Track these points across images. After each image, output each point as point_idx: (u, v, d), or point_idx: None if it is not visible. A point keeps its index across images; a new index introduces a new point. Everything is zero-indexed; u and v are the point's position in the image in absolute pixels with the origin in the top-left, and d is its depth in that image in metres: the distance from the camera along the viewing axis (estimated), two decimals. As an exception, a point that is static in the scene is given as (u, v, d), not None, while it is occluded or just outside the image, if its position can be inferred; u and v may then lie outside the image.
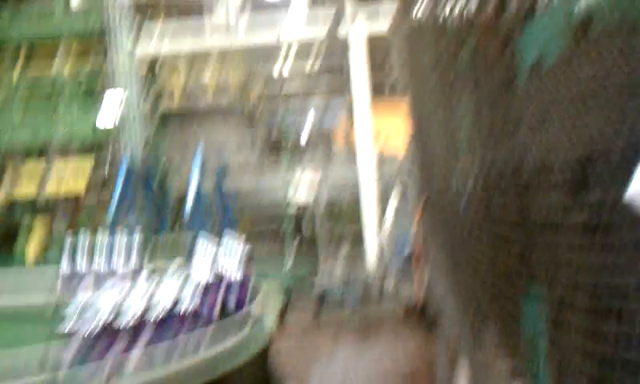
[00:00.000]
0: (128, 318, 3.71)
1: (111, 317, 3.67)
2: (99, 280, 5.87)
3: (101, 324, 3.61)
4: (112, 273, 5.80)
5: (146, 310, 3.81)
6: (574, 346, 1.73)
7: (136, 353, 3.64)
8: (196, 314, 3.92)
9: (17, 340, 5.33)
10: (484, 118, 2.43)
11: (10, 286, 6.59)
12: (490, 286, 2.77)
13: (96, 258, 6.06)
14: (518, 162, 2.24)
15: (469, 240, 3.10)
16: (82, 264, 6.06)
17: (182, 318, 3.87)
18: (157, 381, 3.41)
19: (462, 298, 3.48)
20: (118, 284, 5.63)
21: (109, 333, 3.55)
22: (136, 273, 5.80)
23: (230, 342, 4.01)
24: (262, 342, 4.38)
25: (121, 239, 11.46)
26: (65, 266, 5.95)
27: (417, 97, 4.92)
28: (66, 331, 3.54)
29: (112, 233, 11.39)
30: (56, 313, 5.33)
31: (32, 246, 13.95)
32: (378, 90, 15.12)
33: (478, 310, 3.06)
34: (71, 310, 3.59)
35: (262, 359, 4.45)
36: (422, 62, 4.29)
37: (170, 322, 3.81)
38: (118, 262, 5.92)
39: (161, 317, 3.88)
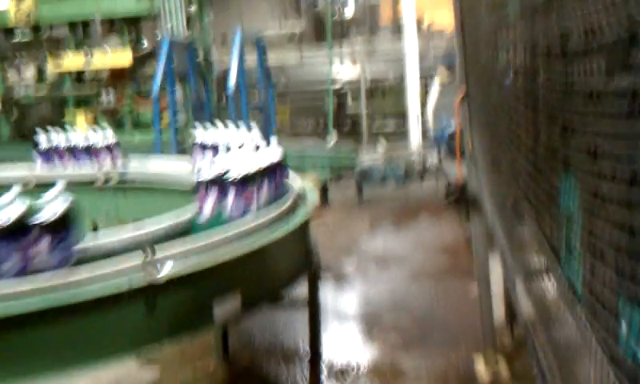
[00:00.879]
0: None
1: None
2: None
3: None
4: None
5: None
6: (607, 230, 1.67)
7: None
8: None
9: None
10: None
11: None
12: (530, 164, 2.70)
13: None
14: (562, 37, 2.12)
15: (512, 117, 3.00)
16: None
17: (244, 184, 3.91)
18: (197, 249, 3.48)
19: (502, 177, 3.42)
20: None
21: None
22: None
23: (268, 215, 4.04)
24: (303, 217, 4.40)
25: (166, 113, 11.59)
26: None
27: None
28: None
29: (156, 105, 11.52)
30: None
31: (81, 119, 14.18)
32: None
33: (516, 188, 3.00)
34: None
35: (302, 234, 4.50)
36: None
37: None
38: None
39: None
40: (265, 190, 4.22)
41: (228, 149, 4.67)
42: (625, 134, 1.39)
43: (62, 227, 3.06)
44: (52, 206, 3.07)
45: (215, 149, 5.09)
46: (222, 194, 3.97)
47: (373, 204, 10.31)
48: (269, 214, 4.08)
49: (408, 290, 6.94)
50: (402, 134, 14.17)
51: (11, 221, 2.87)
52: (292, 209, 4.38)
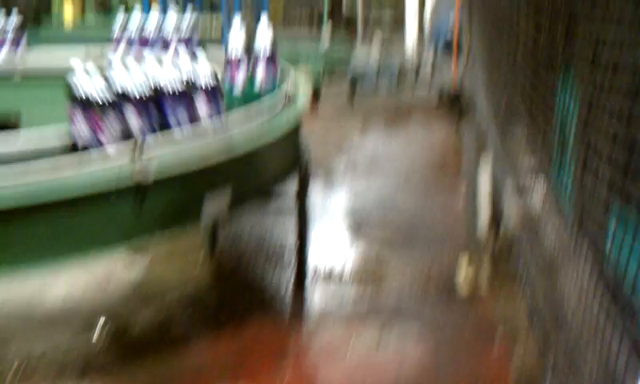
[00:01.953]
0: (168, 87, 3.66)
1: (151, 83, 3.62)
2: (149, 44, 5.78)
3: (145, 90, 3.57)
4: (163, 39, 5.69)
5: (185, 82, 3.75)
6: (606, 129, 1.65)
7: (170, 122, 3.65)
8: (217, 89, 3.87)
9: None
10: None
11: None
12: (527, 69, 2.66)
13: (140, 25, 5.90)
14: None
15: (510, 20, 2.93)
16: (132, 28, 5.91)
17: (206, 92, 3.82)
18: (186, 153, 3.45)
19: (497, 84, 3.37)
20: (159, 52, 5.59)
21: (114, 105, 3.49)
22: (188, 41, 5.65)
23: (259, 119, 3.99)
24: (294, 121, 4.36)
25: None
26: (117, 30, 5.83)
27: None
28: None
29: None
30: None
31: (69, 10, 13.81)
32: None
33: (512, 95, 2.97)
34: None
35: (294, 137, 4.46)
36: None
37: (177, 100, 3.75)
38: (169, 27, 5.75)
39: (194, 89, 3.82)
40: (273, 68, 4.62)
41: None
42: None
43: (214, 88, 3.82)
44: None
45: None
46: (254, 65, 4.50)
47: (365, 108, 10.24)
48: (262, 111, 4.04)
49: (396, 194, 6.99)
50: (398, 36, 13.91)
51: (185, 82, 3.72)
52: (285, 105, 4.35)
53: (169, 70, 3.74)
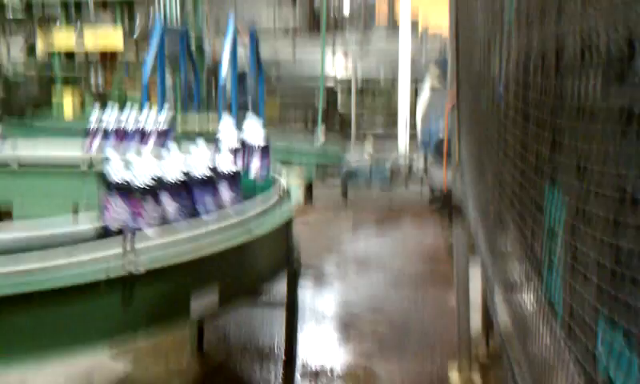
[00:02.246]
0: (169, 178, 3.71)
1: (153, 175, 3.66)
2: (128, 137, 5.88)
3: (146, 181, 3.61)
4: (142, 131, 5.79)
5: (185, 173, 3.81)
6: (593, 238, 1.65)
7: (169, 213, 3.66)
8: (217, 179, 3.91)
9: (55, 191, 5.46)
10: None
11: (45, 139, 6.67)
12: (517, 172, 2.69)
13: (126, 116, 6.03)
14: (557, 45, 2.10)
15: (501, 124, 2.99)
16: (110, 120, 6.03)
17: (206, 182, 3.87)
18: (180, 242, 3.43)
19: (485, 191, 3.41)
20: (148, 143, 5.66)
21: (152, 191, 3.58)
22: (166, 134, 5.77)
23: (252, 211, 4.00)
24: (286, 215, 4.37)
25: (154, 98, 11.50)
26: (94, 122, 5.94)
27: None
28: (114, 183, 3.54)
29: (145, 91, 11.42)
30: (90, 166, 5.39)
31: (69, 101, 14.05)
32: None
33: (501, 196, 2.99)
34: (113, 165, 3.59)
35: (286, 231, 4.46)
36: None
37: (204, 186, 3.85)
38: (148, 121, 5.88)
39: (198, 180, 3.87)
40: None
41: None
42: (616, 151, 1.37)
43: (235, 176, 4.10)
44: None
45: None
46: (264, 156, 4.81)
47: (357, 205, 10.29)
48: (253, 209, 4.05)
49: (387, 294, 6.93)
50: (390, 135, 14.17)
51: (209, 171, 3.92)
52: (276, 204, 4.36)
53: (195, 159, 3.94)
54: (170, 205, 3.64)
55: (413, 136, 11.89)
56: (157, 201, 3.61)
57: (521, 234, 2.43)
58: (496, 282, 3.08)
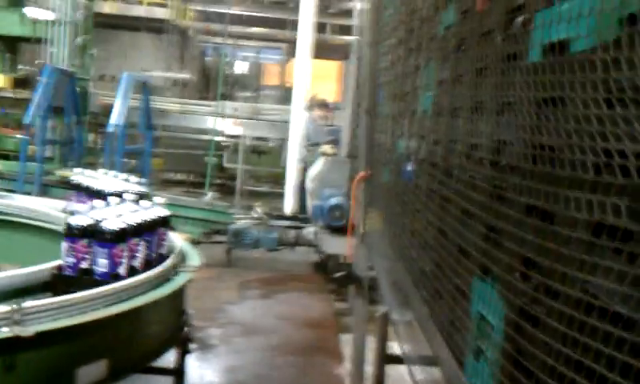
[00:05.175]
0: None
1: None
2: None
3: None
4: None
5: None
6: (546, 351, 1.61)
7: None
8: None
9: None
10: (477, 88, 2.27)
11: None
12: (439, 259, 2.67)
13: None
14: (498, 144, 2.11)
15: (422, 210, 2.98)
16: None
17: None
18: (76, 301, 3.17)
19: (403, 267, 3.38)
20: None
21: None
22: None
23: (146, 277, 3.76)
24: (183, 281, 4.15)
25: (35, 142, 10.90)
26: None
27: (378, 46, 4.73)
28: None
29: (26, 133, 10.82)
30: None
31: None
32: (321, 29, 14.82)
33: (419, 281, 2.96)
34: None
35: (179, 299, 4.25)
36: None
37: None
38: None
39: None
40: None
41: (106, 195, 4.39)
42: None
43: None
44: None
45: (92, 193, 4.79)
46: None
47: (242, 267, 10.10)
48: (146, 276, 3.80)
49: (273, 361, 6.76)
50: (276, 196, 14.14)
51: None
52: (171, 272, 4.13)
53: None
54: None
55: (301, 201, 11.88)
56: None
57: (439, 321, 2.39)
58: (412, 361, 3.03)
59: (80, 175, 5.10)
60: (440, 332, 2.82)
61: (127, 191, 4.55)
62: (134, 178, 5.04)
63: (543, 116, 1.63)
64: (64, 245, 3.60)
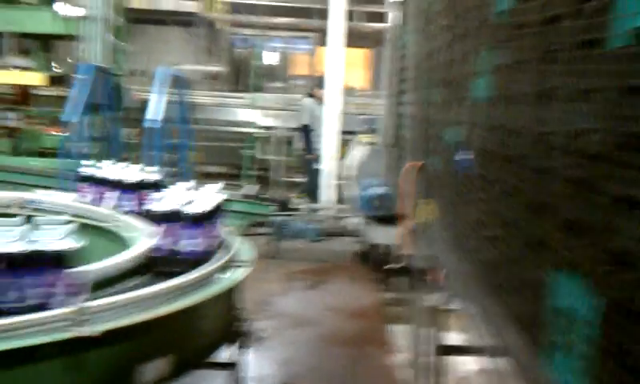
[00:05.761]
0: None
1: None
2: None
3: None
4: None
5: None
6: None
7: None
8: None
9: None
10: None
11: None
12: (509, 250, 2.60)
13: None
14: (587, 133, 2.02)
15: (488, 200, 2.91)
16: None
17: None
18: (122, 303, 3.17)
19: (464, 257, 3.32)
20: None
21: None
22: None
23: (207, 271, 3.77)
24: (239, 276, 4.15)
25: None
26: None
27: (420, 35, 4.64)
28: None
29: (64, 131, 10.93)
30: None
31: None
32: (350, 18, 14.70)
33: (484, 272, 2.89)
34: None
35: (236, 293, 4.24)
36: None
37: None
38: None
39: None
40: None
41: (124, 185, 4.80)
42: None
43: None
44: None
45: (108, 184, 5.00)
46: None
47: (287, 258, 10.08)
48: (207, 271, 3.81)
49: (325, 351, 6.76)
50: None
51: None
52: (228, 266, 4.13)
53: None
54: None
55: (342, 191, 11.82)
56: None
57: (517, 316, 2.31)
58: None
59: (91, 167, 5.24)
60: (513, 324, 2.77)
61: (144, 180, 4.86)
62: (148, 168, 5.15)
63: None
64: (158, 229, 3.94)
